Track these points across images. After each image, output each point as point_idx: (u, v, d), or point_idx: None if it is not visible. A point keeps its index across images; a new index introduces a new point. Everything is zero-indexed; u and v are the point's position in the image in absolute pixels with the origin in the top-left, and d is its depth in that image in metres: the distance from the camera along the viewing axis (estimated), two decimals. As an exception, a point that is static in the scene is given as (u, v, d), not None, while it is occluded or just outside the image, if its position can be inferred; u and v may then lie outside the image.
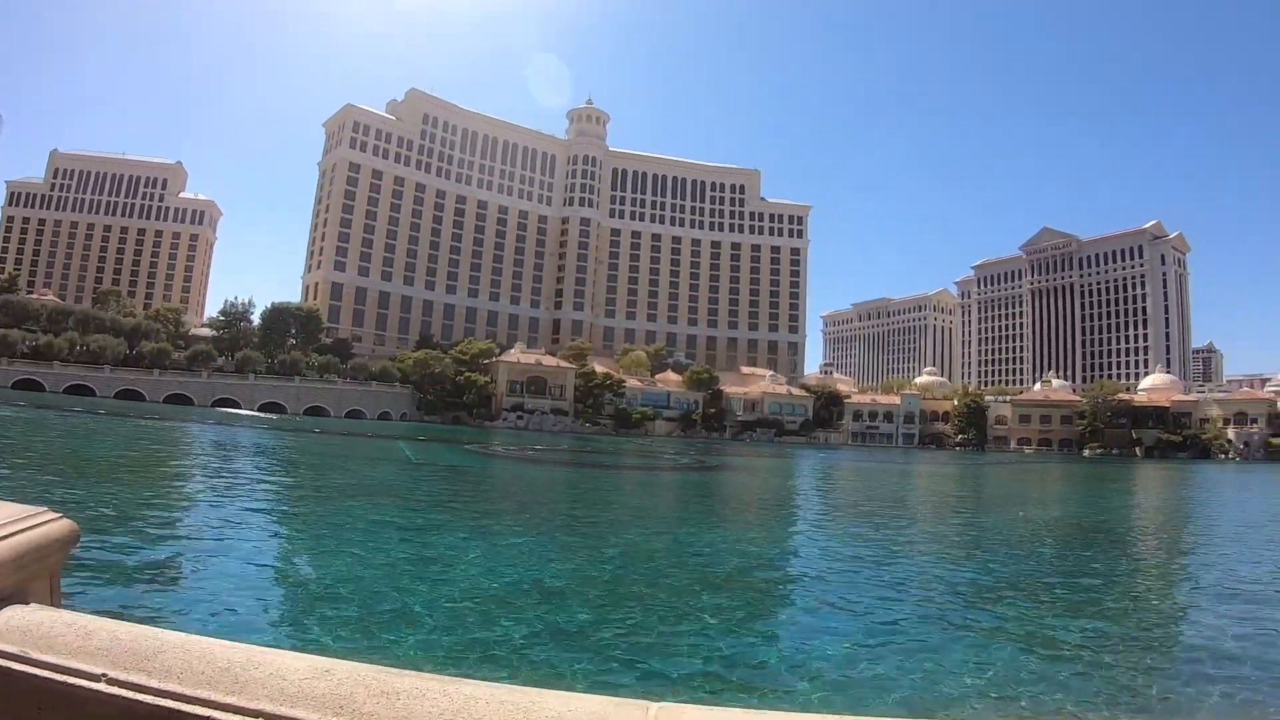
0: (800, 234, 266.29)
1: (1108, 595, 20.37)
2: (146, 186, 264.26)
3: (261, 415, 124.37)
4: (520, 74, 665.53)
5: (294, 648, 9.18)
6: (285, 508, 30.61)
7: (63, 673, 1.72)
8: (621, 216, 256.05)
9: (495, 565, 19.78)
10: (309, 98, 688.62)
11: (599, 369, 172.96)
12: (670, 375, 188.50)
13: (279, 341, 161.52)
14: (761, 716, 1.65)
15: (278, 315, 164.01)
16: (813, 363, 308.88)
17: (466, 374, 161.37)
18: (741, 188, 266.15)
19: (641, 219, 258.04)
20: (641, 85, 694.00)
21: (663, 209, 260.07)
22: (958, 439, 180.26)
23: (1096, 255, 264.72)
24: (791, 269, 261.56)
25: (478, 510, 32.38)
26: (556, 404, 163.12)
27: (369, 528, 24.69)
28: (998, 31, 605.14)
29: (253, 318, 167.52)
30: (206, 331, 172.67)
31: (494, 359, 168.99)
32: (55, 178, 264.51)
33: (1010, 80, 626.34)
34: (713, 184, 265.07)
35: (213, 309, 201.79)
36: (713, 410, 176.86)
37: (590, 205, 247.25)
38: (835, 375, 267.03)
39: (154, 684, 1.67)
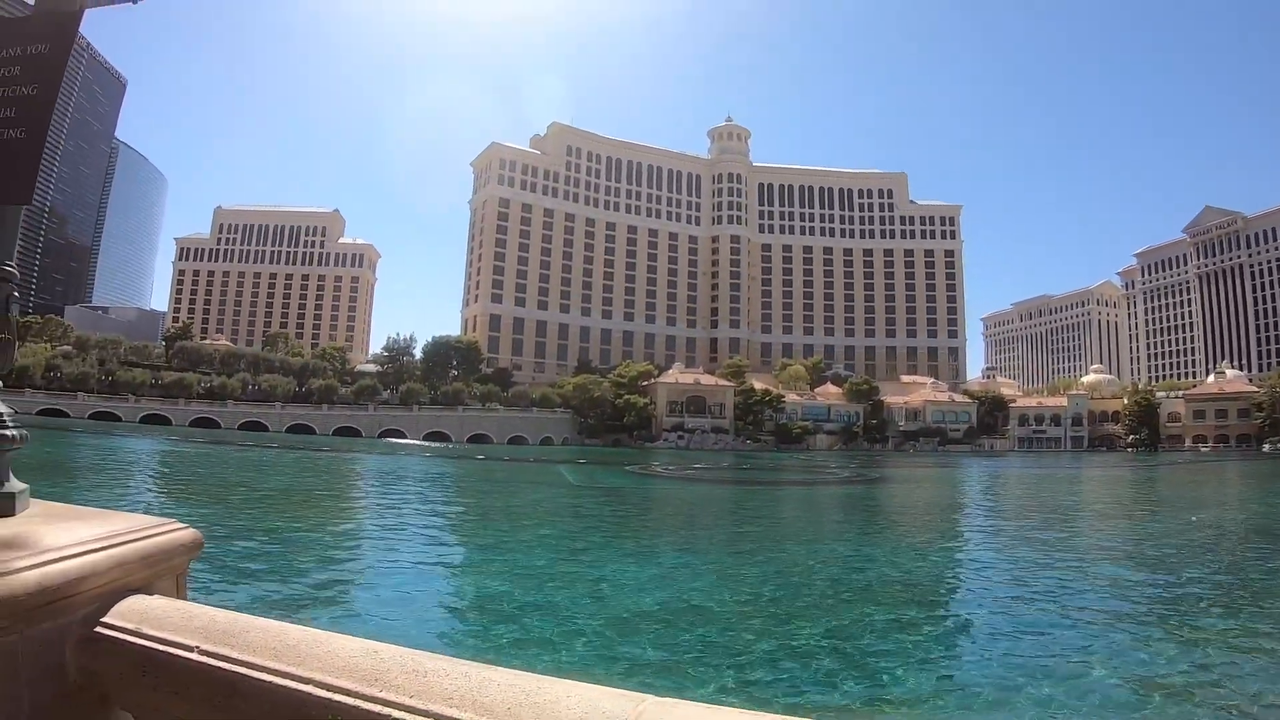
0: (953, 235, 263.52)
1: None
2: (307, 235, 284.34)
3: (426, 444, 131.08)
4: (655, 98, 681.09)
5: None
6: (449, 529, 32.71)
7: (164, 644, 2.23)
8: (770, 231, 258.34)
9: (652, 583, 20.74)
10: (455, 140, 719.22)
11: (758, 385, 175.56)
12: (830, 388, 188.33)
13: (441, 373, 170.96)
14: (754, 717, 1.72)
15: (439, 348, 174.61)
16: (975, 367, 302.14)
17: (626, 396, 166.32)
18: (889, 192, 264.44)
19: (791, 231, 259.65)
20: (779, 97, 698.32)
21: (811, 220, 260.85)
22: (1128, 440, 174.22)
23: (1266, 231, 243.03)
24: (947, 271, 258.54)
25: (636, 530, 33.78)
26: (716, 422, 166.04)
27: (529, 548, 26.30)
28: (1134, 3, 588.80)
29: (415, 352, 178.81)
30: (371, 367, 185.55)
31: (653, 380, 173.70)
32: (220, 232, 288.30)
33: (1150, 54, 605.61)
34: (859, 190, 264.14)
35: (376, 346, 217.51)
36: (874, 421, 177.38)
37: (739, 222, 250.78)
38: (999, 379, 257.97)
39: (234, 655, 2.11)
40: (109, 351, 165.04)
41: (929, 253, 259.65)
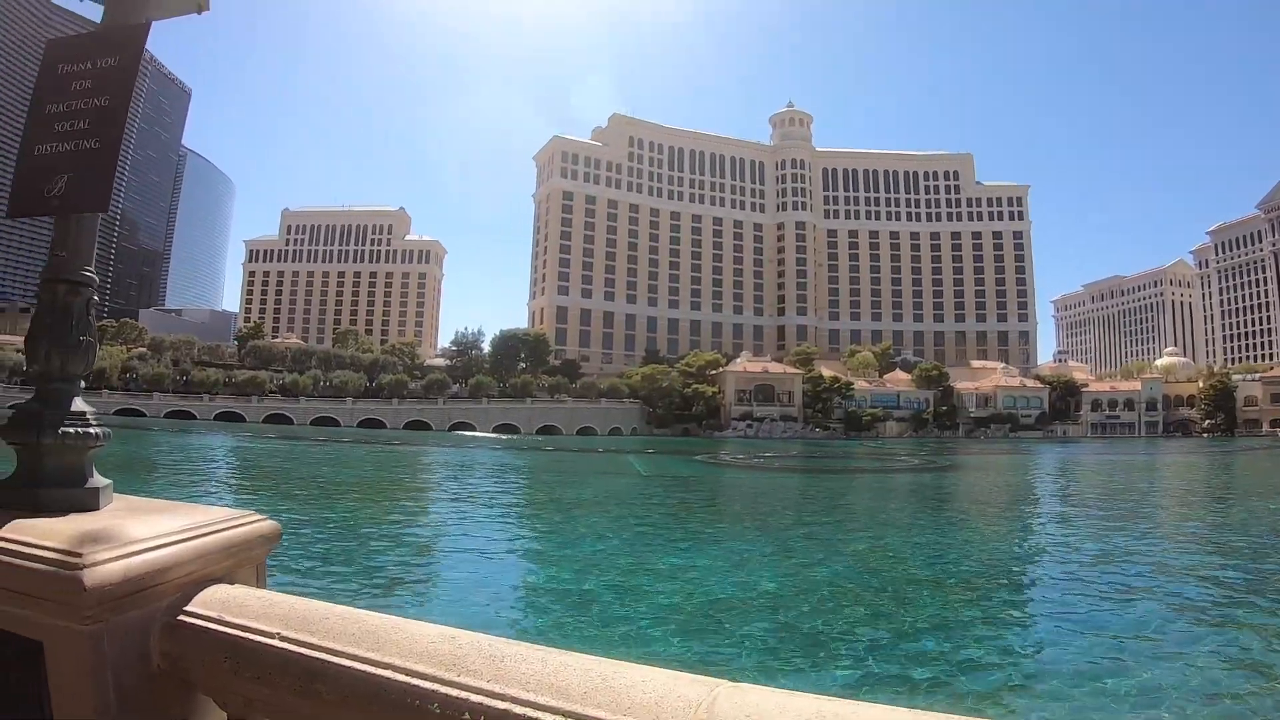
0: (1020, 216, 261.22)
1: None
2: (373, 233, 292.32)
3: (496, 436, 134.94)
4: (716, 85, 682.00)
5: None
6: (520, 520, 33.76)
7: (246, 631, 2.36)
8: (836, 216, 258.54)
9: (723, 571, 21.07)
10: (517, 135, 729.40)
11: (826, 372, 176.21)
12: (899, 374, 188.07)
13: (509, 366, 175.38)
14: (827, 702, 1.74)
15: (507, 341, 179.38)
16: (1046, 351, 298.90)
17: (694, 386, 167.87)
18: (955, 174, 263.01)
19: (856, 216, 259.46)
20: (840, 81, 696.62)
21: (876, 204, 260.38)
22: (1204, 425, 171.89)
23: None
24: (1016, 253, 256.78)
25: (706, 518, 34.36)
26: (785, 410, 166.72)
27: (600, 537, 26.78)
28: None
29: (483, 345, 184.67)
30: (440, 361, 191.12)
31: (720, 369, 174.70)
32: (289, 233, 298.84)
33: (1223, 23, 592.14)
34: (925, 173, 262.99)
35: (444, 340, 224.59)
36: (944, 408, 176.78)
37: (803, 208, 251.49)
38: (1070, 363, 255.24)
39: (314, 641, 2.23)
40: (183, 352, 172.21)
41: (997, 235, 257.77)
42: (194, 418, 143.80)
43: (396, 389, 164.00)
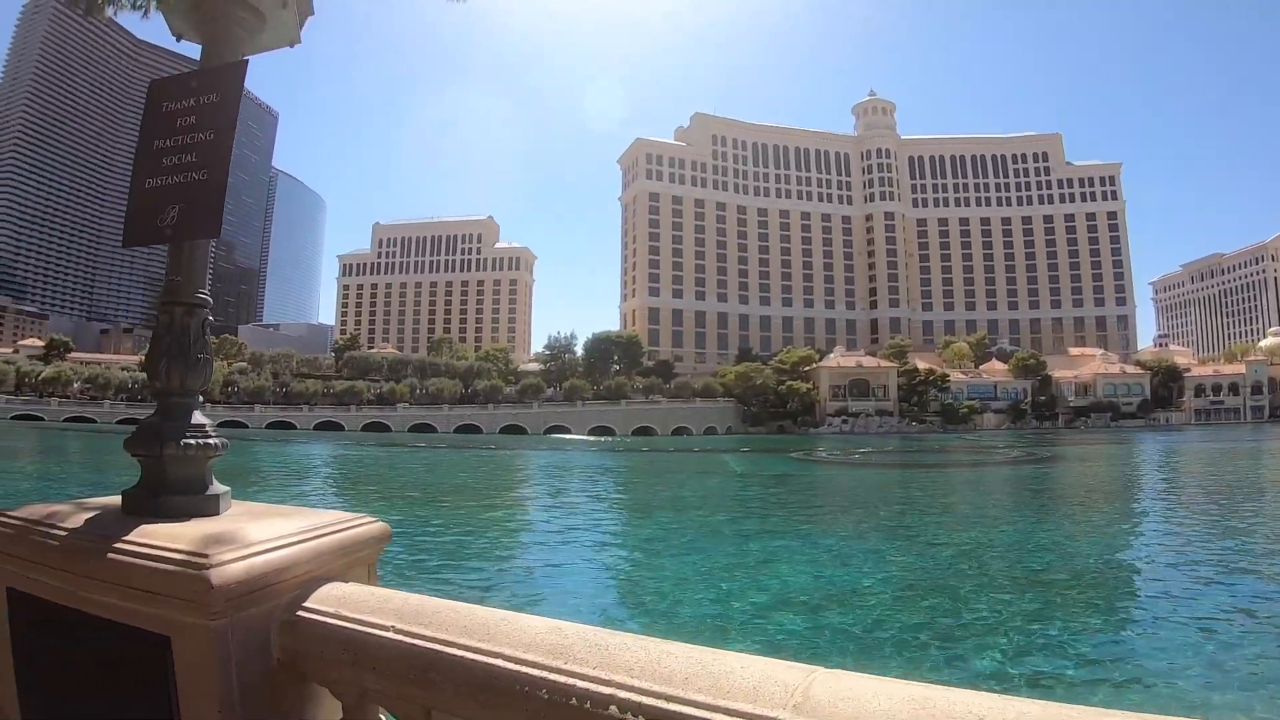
0: (1113, 195, 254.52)
1: None
2: (463, 242, 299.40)
3: (591, 439, 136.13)
4: (794, 79, 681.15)
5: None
6: (618, 519, 34.23)
7: (362, 625, 2.54)
8: (924, 205, 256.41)
9: (820, 567, 21.27)
10: (603, 140, 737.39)
11: (921, 365, 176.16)
12: (995, 364, 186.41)
13: (603, 368, 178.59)
14: (918, 687, 1.83)
15: (599, 344, 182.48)
16: (1145, 335, 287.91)
17: (788, 383, 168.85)
18: (1044, 155, 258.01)
19: (945, 204, 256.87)
20: (920, 67, 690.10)
21: (965, 190, 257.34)
22: None
23: None
24: (1110, 234, 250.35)
25: (803, 515, 34.02)
26: (880, 405, 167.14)
27: (697, 536, 27.14)
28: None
29: (576, 349, 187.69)
30: (534, 366, 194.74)
31: (814, 365, 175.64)
32: (380, 246, 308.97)
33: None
34: (1013, 156, 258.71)
35: (538, 345, 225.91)
36: (1042, 398, 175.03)
37: (891, 198, 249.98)
38: (1172, 347, 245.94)
39: (427, 633, 2.40)
40: (282, 365, 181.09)
41: (1090, 216, 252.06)
42: (294, 428, 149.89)
43: (492, 394, 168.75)
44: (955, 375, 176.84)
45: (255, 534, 2.76)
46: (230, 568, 2.53)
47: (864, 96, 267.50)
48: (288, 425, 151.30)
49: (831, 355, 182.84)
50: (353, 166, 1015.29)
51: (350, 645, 2.48)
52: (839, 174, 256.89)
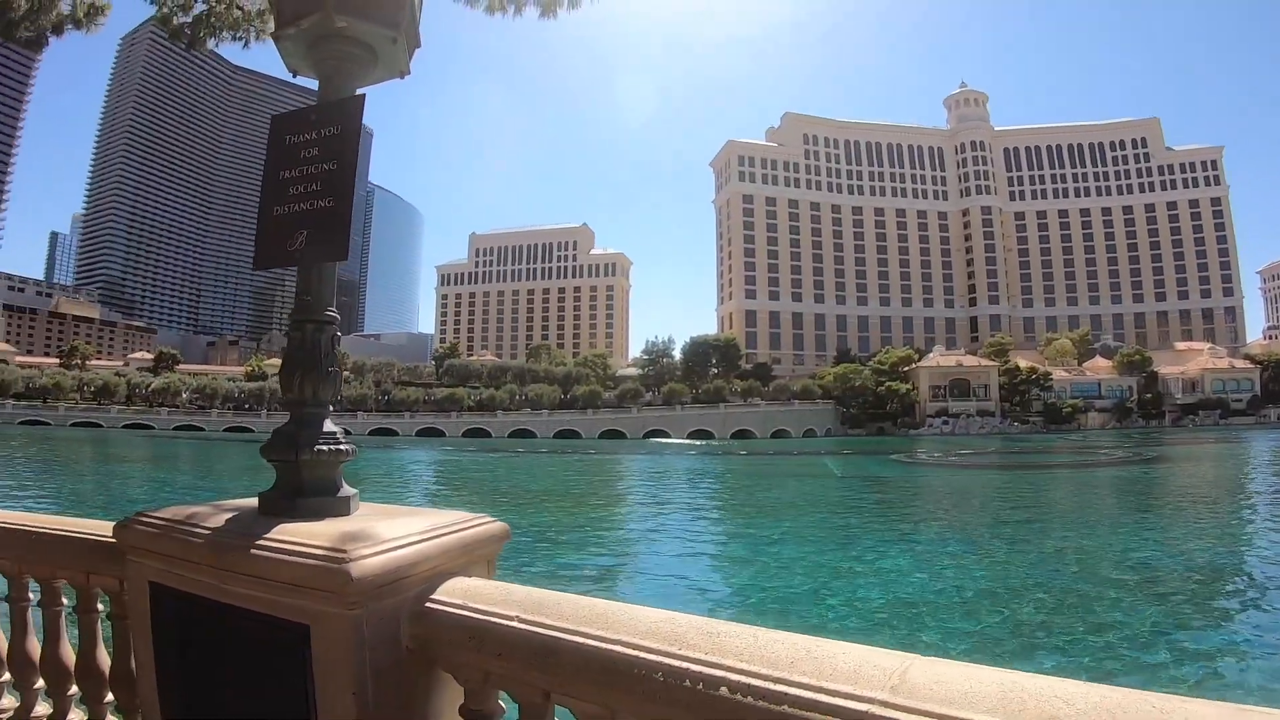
0: (1216, 180, 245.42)
1: None
2: (559, 250, 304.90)
3: (690, 442, 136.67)
4: (882, 75, 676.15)
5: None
6: (717, 522, 35.32)
7: (490, 615, 2.75)
8: (1021, 198, 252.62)
9: (920, 571, 21.86)
10: (690, 145, 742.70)
11: (1022, 363, 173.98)
12: (1099, 361, 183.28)
13: (701, 372, 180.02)
14: (1009, 674, 1.92)
15: (697, 348, 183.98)
16: (1255, 327, 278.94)
17: (887, 383, 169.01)
18: (1142, 141, 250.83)
19: (1043, 196, 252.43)
20: (1010, 55, 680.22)
21: (1063, 181, 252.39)
22: None
23: None
24: (1215, 222, 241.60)
25: (903, 518, 35.11)
26: (981, 405, 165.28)
27: (797, 540, 27.89)
28: None
29: (674, 353, 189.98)
30: (633, 370, 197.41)
31: (913, 365, 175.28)
32: (477, 256, 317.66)
33: None
34: (1110, 143, 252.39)
35: (635, 349, 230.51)
36: (1148, 395, 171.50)
37: (987, 192, 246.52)
38: None
39: (550, 622, 2.59)
40: (383, 374, 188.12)
41: (1193, 203, 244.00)
42: (396, 434, 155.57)
43: (590, 399, 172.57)
44: (1058, 373, 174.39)
45: (387, 532, 3.05)
46: (367, 562, 2.80)
47: (955, 88, 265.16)
48: (390, 432, 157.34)
49: (931, 355, 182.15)
50: (447, 180, 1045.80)
51: (476, 633, 2.74)
52: (933, 169, 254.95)
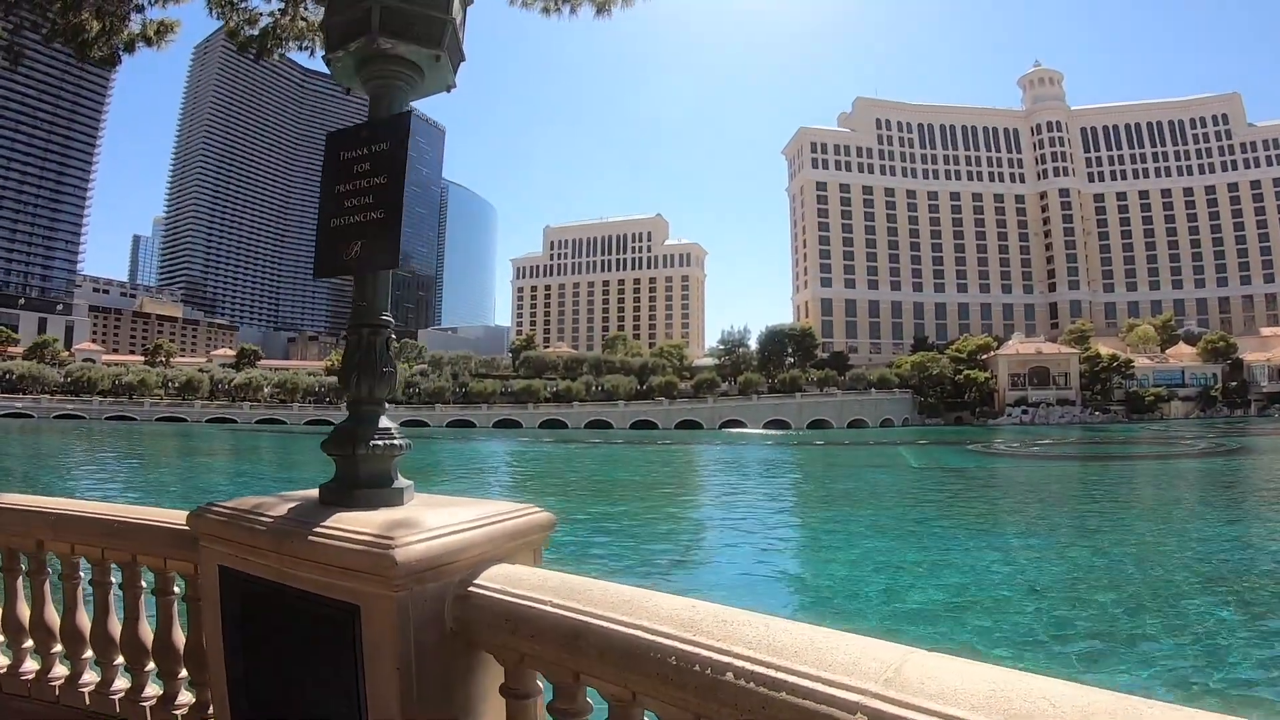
0: None
1: None
2: (633, 241, 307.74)
3: (767, 432, 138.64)
4: (954, 57, 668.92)
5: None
6: (790, 513, 35.67)
7: (525, 600, 2.95)
8: (1100, 179, 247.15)
9: (993, 564, 21.72)
10: (763, 132, 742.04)
11: (1103, 350, 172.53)
12: (1182, 348, 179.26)
13: (777, 362, 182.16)
14: (999, 672, 2.02)
15: (773, 338, 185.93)
16: None
17: (965, 372, 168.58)
18: (1224, 117, 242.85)
19: (1122, 177, 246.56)
20: (1083, 31, 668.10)
21: (1143, 161, 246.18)
22: None
23: None
24: None
25: (975, 511, 34.84)
26: (1061, 394, 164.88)
27: (869, 531, 28.23)
28: None
29: (749, 343, 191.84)
30: (708, 361, 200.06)
31: (992, 353, 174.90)
32: (552, 249, 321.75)
33: None
34: (1190, 120, 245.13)
35: (711, 340, 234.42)
36: (1233, 383, 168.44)
37: (1065, 174, 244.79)
38: None
39: (578, 607, 2.78)
40: (460, 366, 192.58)
41: (1277, 181, 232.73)
42: (473, 426, 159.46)
43: (666, 390, 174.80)
44: (1140, 361, 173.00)
45: (433, 520, 3.32)
46: (412, 548, 3.05)
47: (1029, 68, 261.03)
48: (467, 424, 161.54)
49: (1010, 342, 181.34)
50: (522, 173, 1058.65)
51: (511, 616, 2.96)
52: (1009, 151, 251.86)
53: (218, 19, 8.79)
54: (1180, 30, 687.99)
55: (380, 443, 3.87)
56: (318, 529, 3.34)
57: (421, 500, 3.95)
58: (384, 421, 4.01)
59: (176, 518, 4.63)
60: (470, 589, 3.21)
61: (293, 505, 3.79)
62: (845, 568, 21.88)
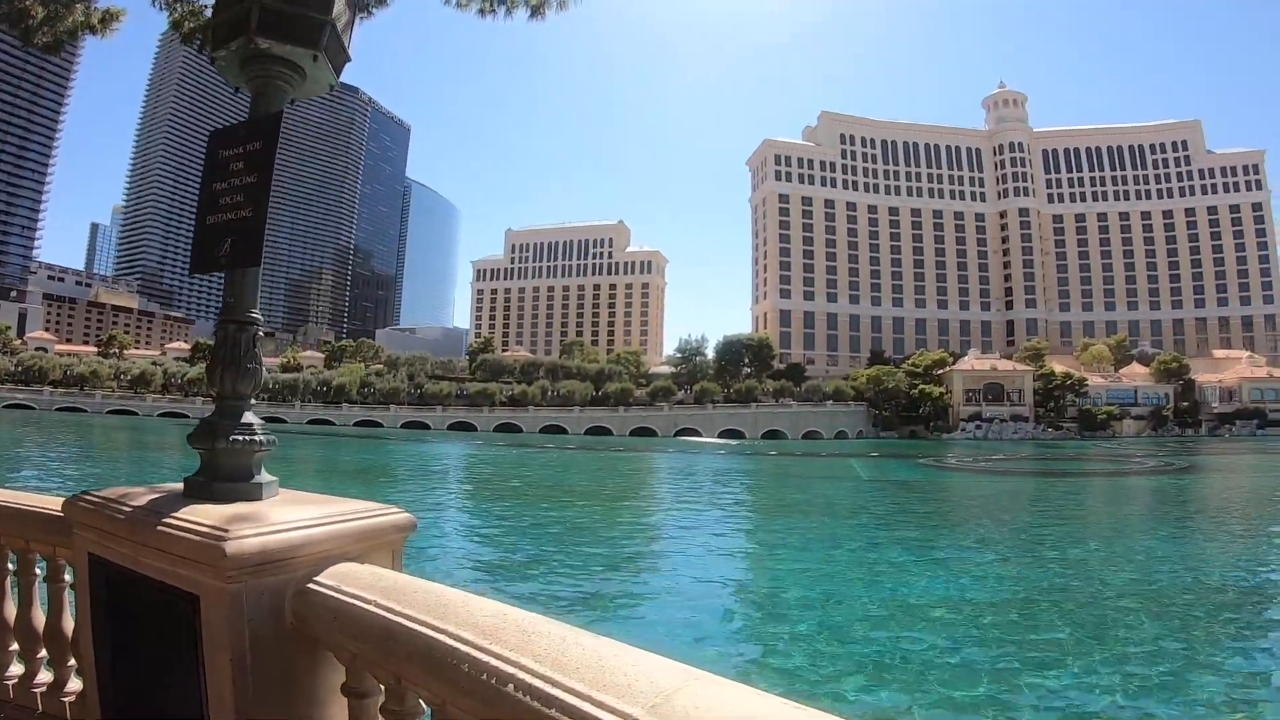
0: (1258, 185, 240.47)
1: None
2: (595, 247, 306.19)
3: (721, 442, 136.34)
4: (918, 74, 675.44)
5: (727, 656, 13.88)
6: (737, 523, 34.77)
7: (351, 598, 3.00)
8: (1060, 200, 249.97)
9: (924, 580, 21.52)
10: (727, 142, 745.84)
11: (1058, 368, 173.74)
12: (1136, 368, 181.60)
13: (733, 371, 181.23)
14: (796, 709, 1.93)
15: (730, 347, 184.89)
16: None
17: (920, 386, 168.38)
18: (1183, 144, 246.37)
19: (1082, 199, 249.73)
20: (1050, 54, 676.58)
21: (1102, 184, 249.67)
22: None
23: None
24: (1256, 227, 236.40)
25: (919, 525, 34.48)
26: (1015, 409, 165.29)
27: (812, 544, 27.78)
28: None
29: (707, 352, 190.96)
30: (665, 369, 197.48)
31: (947, 368, 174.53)
32: (513, 252, 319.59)
33: None
34: (1150, 146, 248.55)
35: (669, 348, 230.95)
36: (1184, 403, 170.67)
37: (1026, 194, 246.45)
38: None
39: (395, 608, 2.80)
40: (417, 367, 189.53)
41: (1233, 208, 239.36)
42: (428, 428, 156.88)
43: (622, 397, 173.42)
44: (1094, 379, 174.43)
45: (277, 516, 3.36)
46: (246, 541, 3.10)
47: (994, 89, 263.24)
48: (422, 425, 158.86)
49: (965, 358, 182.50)
50: (485, 175, 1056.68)
51: (339, 614, 3.02)
52: (971, 170, 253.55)
53: (163, 9, 8.32)
54: (1146, 59, 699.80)
55: (241, 438, 3.93)
56: (167, 519, 3.40)
57: (284, 497, 4.00)
58: (248, 417, 4.06)
59: (59, 505, 4.51)
60: (309, 586, 3.25)
61: (156, 496, 3.81)
62: (785, 584, 21.34)
